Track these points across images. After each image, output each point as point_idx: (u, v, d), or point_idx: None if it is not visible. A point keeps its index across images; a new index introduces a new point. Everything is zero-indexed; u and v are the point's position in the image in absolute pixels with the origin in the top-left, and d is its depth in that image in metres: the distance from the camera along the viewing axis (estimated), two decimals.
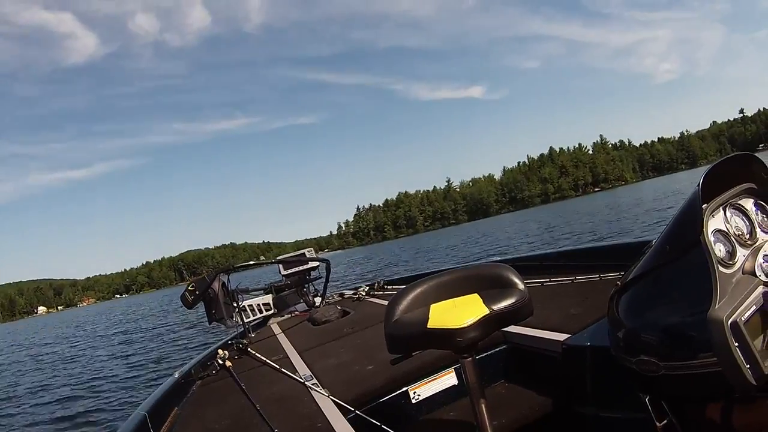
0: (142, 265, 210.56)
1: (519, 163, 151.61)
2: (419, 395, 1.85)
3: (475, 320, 1.19)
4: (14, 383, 11.94)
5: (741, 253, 1.04)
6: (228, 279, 3.57)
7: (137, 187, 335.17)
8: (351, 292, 4.23)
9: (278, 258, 4.45)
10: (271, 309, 4.01)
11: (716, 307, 0.92)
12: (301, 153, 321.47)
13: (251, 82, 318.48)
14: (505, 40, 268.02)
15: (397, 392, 1.83)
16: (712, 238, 1.01)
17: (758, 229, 1.11)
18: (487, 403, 1.30)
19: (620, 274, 1.36)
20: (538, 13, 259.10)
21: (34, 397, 9.62)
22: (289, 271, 4.26)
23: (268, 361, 2.47)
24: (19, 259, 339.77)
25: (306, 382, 2.00)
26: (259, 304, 3.95)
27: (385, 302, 3.14)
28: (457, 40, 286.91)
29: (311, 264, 4.27)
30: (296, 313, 4.07)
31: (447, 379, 1.89)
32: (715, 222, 1.06)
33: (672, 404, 1.11)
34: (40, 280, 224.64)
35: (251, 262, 4.53)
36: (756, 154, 1.17)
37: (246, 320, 3.58)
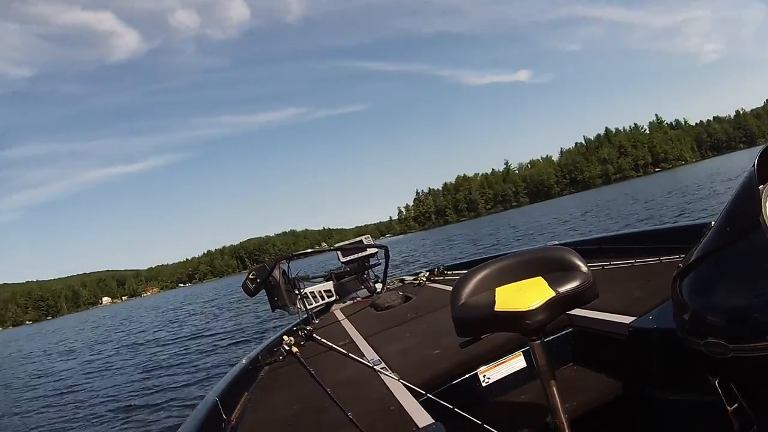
0: (204, 253, 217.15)
1: (576, 144, 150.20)
2: (489, 378, 1.87)
3: (541, 303, 1.20)
4: (83, 371, 12.58)
5: None
6: (288, 266, 3.63)
7: (194, 179, 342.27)
8: (411, 277, 4.25)
9: (337, 245, 4.52)
10: (332, 295, 4.06)
11: None
12: (355, 141, 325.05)
13: (297, 73, 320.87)
14: (548, 23, 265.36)
15: (467, 375, 1.86)
16: None
17: None
18: (557, 386, 1.31)
19: (680, 257, 1.36)
20: None
21: (104, 383, 10.04)
22: (347, 258, 4.34)
23: (334, 346, 2.50)
24: (83, 253, 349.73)
25: (375, 366, 2.02)
26: (320, 291, 4.02)
27: (447, 287, 3.17)
28: (500, 25, 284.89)
29: (369, 251, 4.31)
30: (358, 299, 4.13)
31: (515, 362, 1.91)
32: None
33: (742, 387, 1.09)
34: (103, 271, 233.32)
35: (310, 250, 4.59)
36: None
37: (309, 307, 3.63)
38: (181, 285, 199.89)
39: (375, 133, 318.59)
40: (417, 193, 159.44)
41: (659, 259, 2.27)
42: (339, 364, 2.25)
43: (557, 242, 3.38)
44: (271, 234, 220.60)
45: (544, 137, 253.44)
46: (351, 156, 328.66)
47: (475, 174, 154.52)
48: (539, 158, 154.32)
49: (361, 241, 4.37)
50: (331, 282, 4.15)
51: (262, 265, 3.49)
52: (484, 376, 1.86)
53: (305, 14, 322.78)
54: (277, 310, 3.62)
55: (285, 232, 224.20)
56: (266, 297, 3.60)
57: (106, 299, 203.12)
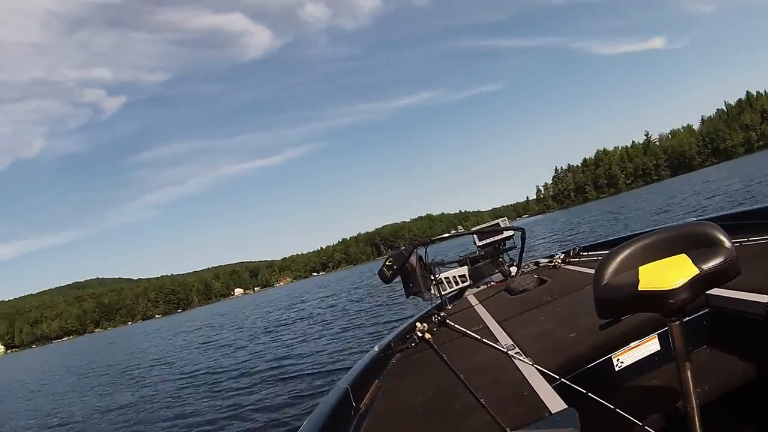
0: (339, 242, 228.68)
1: (717, 110, 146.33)
2: (622, 362, 1.85)
3: (686, 281, 1.16)
4: (224, 356, 13.41)
5: None
6: (426, 252, 3.66)
7: (329, 168, 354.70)
8: (546, 260, 4.24)
9: (473, 229, 4.48)
10: (467, 280, 4.05)
11: None
12: (490, 121, 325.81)
13: (429, 56, 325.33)
14: None
15: (601, 359, 1.84)
16: None
17: None
18: (691, 369, 1.28)
19: None
20: None
21: (241, 367, 10.58)
22: (483, 242, 4.28)
23: (467, 331, 2.52)
24: (219, 246, 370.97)
25: (508, 351, 2.02)
26: (455, 276, 4.01)
27: (583, 269, 3.35)
28: None
29: (506, 233, 4.25)
30: (492, 283, 4.11)
31: (650, 346, 1.88)
32: None
33: None
34: (237, 263, 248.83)
35: (446, 235, 4.58)
36: None
37: (443, 292, 3.64)
38: (315, 274, 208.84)
39: (510, 112, 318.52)
40: (555, 170, 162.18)
41: None
42: (472, 350, 2.27)
43: (698, 217, 3.40)
44: (407, 219, 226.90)
45: (685, 105, 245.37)
46: (486, 137, 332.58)
47: (615, 148, 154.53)
48: (680, 128, 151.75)
49: (498, 224, 4.34)
50: (465, 267, 4.15)
51: (399, 252, 3.48)
52: (617, 360, 1.85)
53: None
54: (412, 297, 3.65)
55: (421, 216, 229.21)
56: (402, 283, 3.66)
57: (238, 290, 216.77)
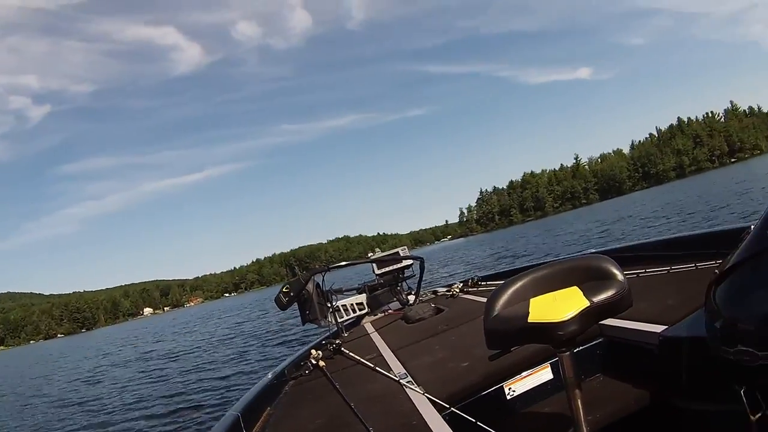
0: (252, 262, 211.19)
1: (649, 135, 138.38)
2: (514, 391, 1.83)
3: (575, 313, 1.18)
4: (110, 382, 12.75)
5: None
6: (323, 279, 3.58)
7: (249, 188, 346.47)
8: (444, 289, 4.16)
9: (372, 257, 4.33)
10: (364, 308, 4.03)
11: None
12: (414, 144, 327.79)
13: (359, 79, 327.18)
14: (612, 17, 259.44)
15: (493, 388, 1.81)
16: None
17: None
18: (583, 398, 1.29)
19: (717, 263, 1.31)
20: None
21: (128, 395, 9.94)
22: (382, 270, 4.20)
23: (361, 360, 2.47)
24: (134, 264, 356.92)
25: (400, 381, 1.99)
26: (352, 304, 4.00)
27: (479, 299, 3.03)
28: (563, 22, 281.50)
29: (405, 262, 4.21)
30: (390, 311, 4.02)
31: (542, 375, 1.87)
32: None
33: (766, 396, 1.06)
34: (150, 282, 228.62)
35: (345, 263, 4.16)
36: None
37: (339, 320, 3.60)
38: (227, 295, 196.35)
39: (436, 137, 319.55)
40: (481, 192, 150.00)
41: (695, 266, 2.22)
42: (365, 378, 2.23)
43: (594, 250, 3.53)
44: (324, 241, 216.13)
45: (613, 133, 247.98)
46: (410, 161, 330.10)
47: (543, 170, 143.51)
48: (611, 151, 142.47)
49: (398, 252, 4.30)
50: (363, 294, 4.13)
51: (296, 278, 3.45)
52: (509, 388, 1.83)
53: (367, 19, 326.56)
54: (308, 324, 3.55)
55: (338, 238, 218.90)
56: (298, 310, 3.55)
57: (147, 310, 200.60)
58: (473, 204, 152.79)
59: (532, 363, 1.86)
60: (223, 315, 36.64)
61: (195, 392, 8.51)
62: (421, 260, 4.17)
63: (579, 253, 2.96)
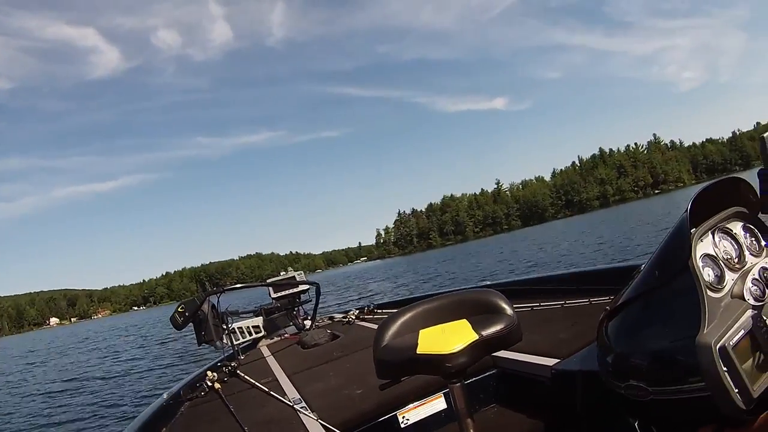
0: (162, 275, 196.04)
1: (571, 164, 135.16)
2: (408, 419, 1.84)
3: (464, 346, 1.19)
4: None
5: (730, 277, 1.03)
6: (218, 301, 3.54)
7: (162, 200, 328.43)
8: (341, 315, 4.23)
9: (269, 281, 4.33)
10: (260, 331, 3.96)
11: (705, 331, 0.91)
12: (328, 166, 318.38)
13: (275, 96, 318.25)
14: (527, 50, 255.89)
15: (386, 416, 1.82)
16: (700, 263, 1.00)
17: (747, 253, 1.09)
18: (476, 428, 1.30)
19: (610, 299, 1.35)
20: (560, 23, 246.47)
21: (13, 415, 9.38)
22: (279, 294, 4.17)
23: (257, 383, 2.47)
24: (41, 270, 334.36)
25: (295, 406, 2.01)
26: (249, 327, 3.91)
27: (375, 326, 3.23)
28: (479, 52, 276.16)
29: (301, 287, 4.21)
30: (286, 335, 4.03)
31: (436, 404, 1.88)
32: (704, 246, 1.05)
33: (661, 429, 1.09)
34: (59, 290, 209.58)
35: (240, 285, 4.32)
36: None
37: (235, 342, 3.56)
38: (135, 308, 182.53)
39: (351, 159, 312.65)
40: (399, 214, 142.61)
41: (589, 301, 2.28)
42: (260, 403, 2.22)
43: (488, 282, 3.53)
44: (236, 257, 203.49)
45: (532, 161, 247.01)
46: (324, 181, 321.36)
47: (463, 194, 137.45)
48: (533, 178, 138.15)
49: (294, 277, 4.27)
50: (260, 318, 4.05)
51: (191, 299, 3.41)
52: (403, 417, 1.84)
53: (286, 37, 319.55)
54: (204, 345, 3.48)
55: (250, 255, 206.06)
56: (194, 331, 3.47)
57: (54, 320, 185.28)
58: (391, 225, 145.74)
59: (426, 392, 1.86)
60: (129, 328, 36.08)
61: (88, 412, 8.12)
62: (317, 285, 4.23)
63: (472, 287, 3.06)
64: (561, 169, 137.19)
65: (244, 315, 4.06)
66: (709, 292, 0.97)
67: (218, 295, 3.55)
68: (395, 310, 1.46)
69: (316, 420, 1.79)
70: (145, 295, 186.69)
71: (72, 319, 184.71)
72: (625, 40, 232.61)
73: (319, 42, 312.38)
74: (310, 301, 4.27)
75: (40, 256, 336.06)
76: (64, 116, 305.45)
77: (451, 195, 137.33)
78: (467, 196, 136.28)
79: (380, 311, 4.01)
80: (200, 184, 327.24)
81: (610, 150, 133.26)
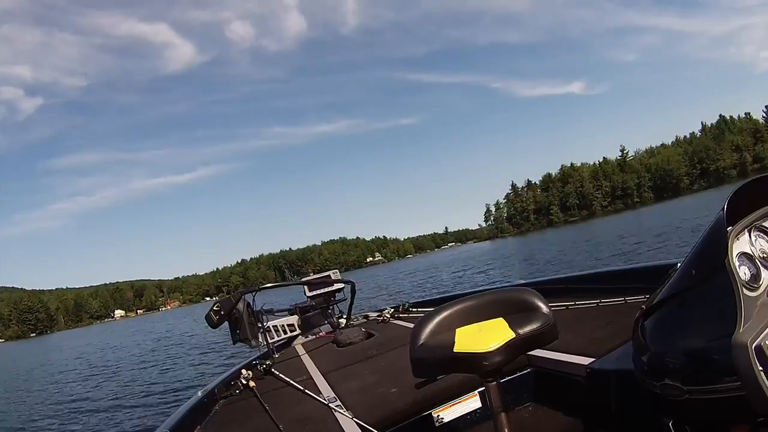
0: (237, 263, 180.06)
1: (702, 125, 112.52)
2: (443, 418, 1.81)
3: (500, 344, 1.17)
4: (38, 397, 12.04)
5: (766, 276, 0.98)
6: (253, 299, 3.52)
7: (242, 190, 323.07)
8: (376, 314, 4.14)
9: (303, 279, 4.37)
10: (295, 330, 3.96)
11: (740, 330, 0.87)
12: (407, 152, 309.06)
13: (350, 84, 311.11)
14: (601, 33, 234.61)
15: (421, 415, 1.79)
16: (736, 262, 0.96)
17: None
18: (510, 427, 1.27)
19: (645, 298, 1.33)
20: (635, 4, 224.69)
21: (58, 411, 9.49)
22: (314, 293, 4.14)
23: (291, 382, 2.45)
24: (121, 262, 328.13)
25: (330, 404, 1.98)
26: (284, 325, 3.92)
27: (410, 325, 3.07)
28: (553, 35, 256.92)
29: (336, 286, 4.16)
30: (321, 334, 3.99)
31: (471, 403, 1.85)
32: (740, 245, 1.00)
33: (695, 429, 1.06)
34: (123, 282, 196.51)
35: (275, 284, 4.45)
36: None
37: (270, 341, 3.53)
38: (207, 298, 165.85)
39: (431, 147, 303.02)
40: (512, 186, 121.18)
41: (624, 300, 2.23)
42: (294, 401, 2.20)
43: (523, 281, 3.50)
44: (319, 242, 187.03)
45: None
46: (405, 167, 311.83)
47: (582, 164, 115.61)
48: (659, 145, 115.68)
49: (329, 275, 4.27)
50: (295, 316, 4.04)
51: (227, 297, 3.42)
52: (438, 416, 1.81)
53: (361, 25, 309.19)
54: (239, 343, 3.47)
55: (333, 240, 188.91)
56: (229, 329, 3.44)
57: (119, 312, 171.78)
58: (501, 200, 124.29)
59: (461, 391, 1.83)
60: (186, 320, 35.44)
61: (125, 407, 8.30)
62: (352, 284, 4.14)
63: (507, 285, 2.79)
64: (684, 136, 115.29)
65: (279, 313, 4.03)
66: (746, 291, 0.93)
67: (254, 293, 3.50)
68: (431, 309, 1.43)
69: (351, 418, 1.75)
70: (218, 284, 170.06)
71: (138, 311, 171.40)
72: (701, 21, 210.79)
73: (392, 28, 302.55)
74: (345, 299, 4.16)
75: (120, 248, 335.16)
76: (142, 110, 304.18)
77: (571, 164, 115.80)
78: (588, 166, 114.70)
79: (415, 310, 3.90)
80: (279, 173, 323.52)
81: (730, 117, 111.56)
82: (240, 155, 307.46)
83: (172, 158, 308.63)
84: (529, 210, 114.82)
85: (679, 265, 1.11)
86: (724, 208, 0.97)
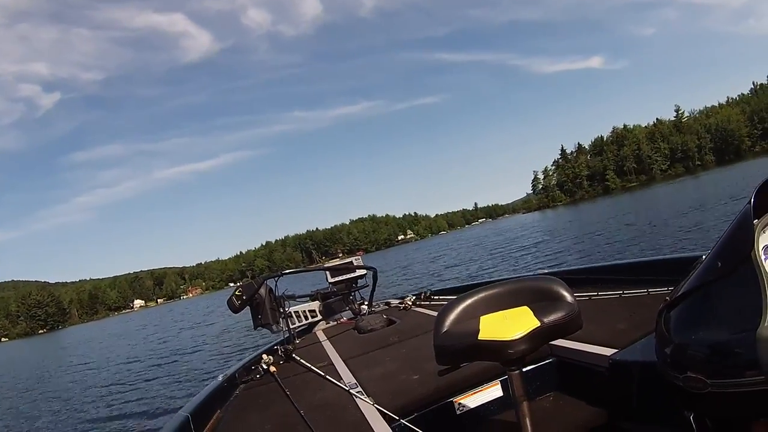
0: (262, 245, 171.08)
1: (739, 95, 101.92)
2: (464, 406, 1.78)
3: (525, 333, 1.15)
4: (59, 385, 12.50)
5: None
6: (276, 284, 3.46)
7: (262, 174, 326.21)
8: (397, 301, 4.03)
9: (326, 265, 4.32)
10: (317, 316, 3.95)
11: (765, 324, 0.84)
12: (431, 132, 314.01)
13: (370, 66, 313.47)
14: (620, 7, 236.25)
15: (442, 403, 1.76)
16: (762, 255, 0.93)
17: None
18: (532, 416, 1.26)
19: (668, 290, 1.29)
20: None
21: (79, 395, 10.05)
22: (336, 279, 4.09)
23: (312, 367, 2.42)
24: (143, 251, 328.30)
25: (351, 390, 1.94)
26: (305, 311, 3.92)
27: (432, 312, 3.00)
28: (572, 11, 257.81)
29: (358, 272, 4.10)
30: (342, 320, 3.93)
31: (492, 391, 1.82)
32: (767, 237, 0.97)
33: (717, 422, 1.04)
34: (143, 271, 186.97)
35: (297, 269, 4.27)
36: None
37: (292, 326, 3.50)
38: (231, 284, 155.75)
39: (452, 126, 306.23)
40: (563, 150, 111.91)
41: (647, 291, 2.18)
42: (315, 386, 2.17)
43: (546, 270, 3.38)
44: (347, 221, 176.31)
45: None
46: (430, 146, 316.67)
47: (635, 125, 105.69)
48: (716, 104, 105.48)
49: (351, 262, 4.18)
50: (316, 302, 4.03)
51: (249, 282, 3.38)
52: (459, 404, 1.78)
53: (377, 6, 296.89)
54: (260, 328, 3.44)
55: (362, 218, 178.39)
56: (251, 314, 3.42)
57: (138, 302, 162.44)
58: (550, 167, 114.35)
59: (482, 379, 1.80)
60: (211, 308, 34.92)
61: (146, 391, 8.53)
62: (374, 270, 4.11)
63: (531, 274, 2.70)
64: (739, 95, 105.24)
65: (301, 299, 4.00)
66: None
67: (276, 279, 3.44)
68: (453, 297, 1.40)
69: (372, 404, 1.73)
70: (242, 268, 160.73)
71: (159, 300, 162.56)
72: None
73: (410, 9, 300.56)
74: (367, 286, 4.10)
75: (136, 239, 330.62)
76: (161, 100, 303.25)
77: (624, 126, 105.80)
78: (642, 128, 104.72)
79: (437, 298, 3.82)
80: (300, 157, 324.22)
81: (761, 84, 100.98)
82: (262, 140, 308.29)
83: (194, 147, 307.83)
84: (581, 176, 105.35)
85: (704, 257, 1.09)
86: (750, 200, 0.95)
